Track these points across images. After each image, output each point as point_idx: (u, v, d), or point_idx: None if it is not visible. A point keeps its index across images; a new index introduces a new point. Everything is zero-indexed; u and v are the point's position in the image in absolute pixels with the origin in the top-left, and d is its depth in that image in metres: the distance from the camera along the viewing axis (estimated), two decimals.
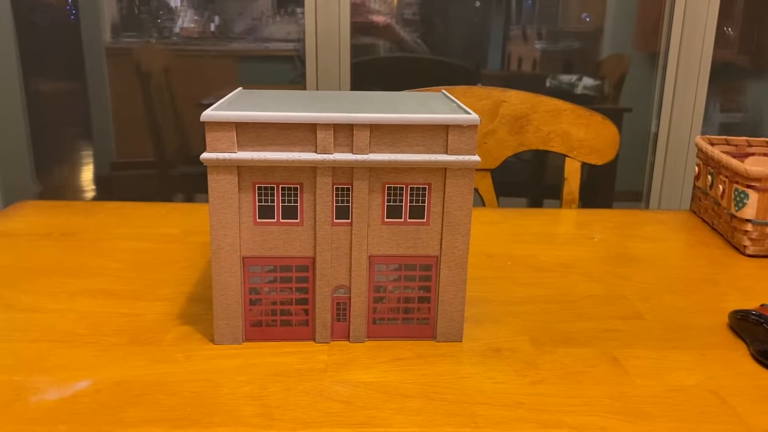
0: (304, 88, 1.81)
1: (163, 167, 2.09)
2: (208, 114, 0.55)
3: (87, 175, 2.16)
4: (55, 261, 0.78)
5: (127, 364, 0.57)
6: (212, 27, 1.99)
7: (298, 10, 1.94)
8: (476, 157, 0.57)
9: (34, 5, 1.93)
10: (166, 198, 2.11)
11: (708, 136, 0.97)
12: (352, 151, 0.57)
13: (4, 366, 0.56)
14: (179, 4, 1.96)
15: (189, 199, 2.14)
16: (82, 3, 1.96)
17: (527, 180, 2.11)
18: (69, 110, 2.07)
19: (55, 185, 2.10)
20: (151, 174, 2.10)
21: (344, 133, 0.56)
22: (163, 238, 0.86)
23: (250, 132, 0.56)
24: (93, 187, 2.15)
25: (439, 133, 0.57)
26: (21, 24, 1.91)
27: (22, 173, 1.98)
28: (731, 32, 1.90)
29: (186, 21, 1.99)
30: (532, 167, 2.10)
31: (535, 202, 2.13)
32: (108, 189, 2.13)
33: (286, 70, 2.01)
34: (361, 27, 1.86)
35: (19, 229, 0.88)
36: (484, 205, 1.17)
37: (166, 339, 0.61)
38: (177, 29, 1.98)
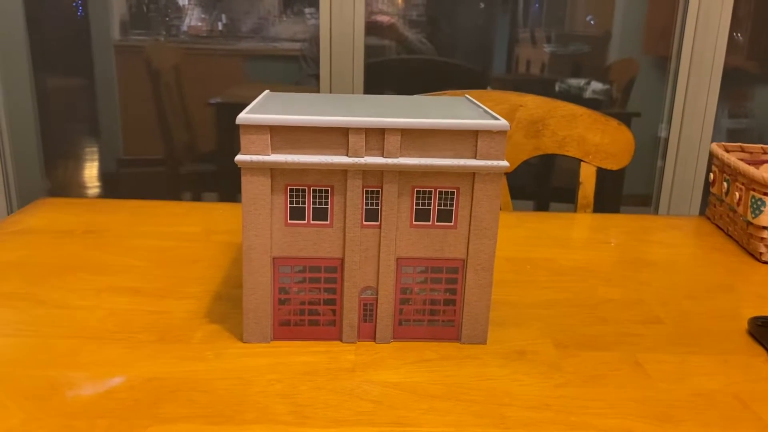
0: (317, 88, 1.81)
1: (170, 165, 2.10)
2: (244, 117, 0.56)
3: (95, 172, 2.17)
4: (79, 258, 0.79)
5: (158, 361, 0.58)
6: (220, 26, 2.00)
7: (306, 10, 1.95)
8: (505, 162, 0.58)
9: (45, 2, 1.93)
10: (174, 196, 2.12)
11: (723, 143, 0.98)
12: (382, 155, 0.58)
13: (40, 361, 0.57)
14: (187, 3, 1.97)
15: (196, 197, 2.15)
16: (91, 0, 1.97)
17: (534, 184, 2.12)
18: (77, 107, 2.08)
19: (63, 182, 2.11)
20: (159, 171, 2.11)
21: (375, 137, 0.57)
22: (185, 236, 0.86)
23: (283, 135, 0.57)
24: (100, 184, 2.16)
25: (468, 139, 0.58)
26: (32, 21, 1.91)
27: (31, 170, 1.99)
28: (740, 38, 1.91)
29: (194, 19, 2.00)
30: (538, 171, 2.11)
31: (542, 206, 2.14)
32: (115, 186, 2.14)
33: (294, 70, 2.02)
34: (366, 27, 1.87)
35: (40, 226, 0.89)
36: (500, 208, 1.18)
37: (195, 337, 0.62)
38: (185, 27, 1.99)
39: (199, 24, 2.00)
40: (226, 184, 2.08)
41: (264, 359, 0.59)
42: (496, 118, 0.59)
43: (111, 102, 2.07)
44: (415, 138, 0.58)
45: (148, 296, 0.70)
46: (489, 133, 0.58)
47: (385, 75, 1.95)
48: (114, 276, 0.74)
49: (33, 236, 0.85)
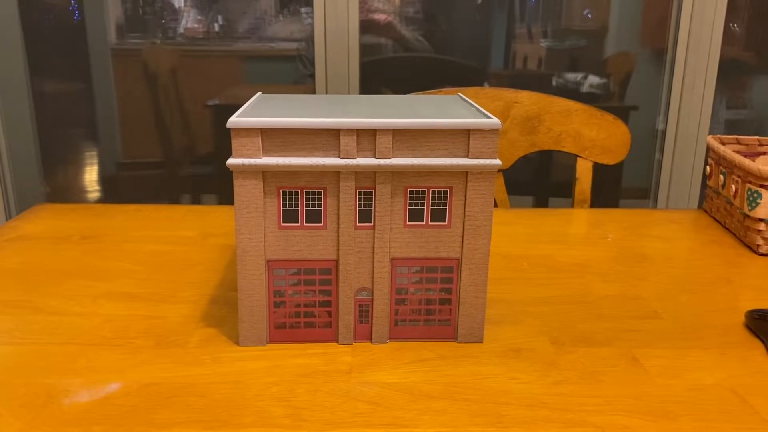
0: (313, 87, 1.81)
1: (169, 167, 2.10)
2: (235, 120, 0.56)
3: (93, 175, 2.17)
4: (77, 264, 0.79)
5: (154, 366, 0.58)
6: (216, 27, 1.99)
7: (302, 9, 1.94)
8: (497, 161, 0.58)
9: (40, 7, 1.93)
10: (173, 198, 2.12)
11: (719, 135, 0.98)
12: (374, 156, 0.58)
13: (36, 369, 0.57)
14: (183, 5, 1.97)
15: (196, 199, 2.15)
16: (87, 4, 1.97)
17: (533, 178, 2.12)
18: (75, 111, 2.08)
19: (62, 186, 2.12)
20: (158, 174, 2.11)
21: (367, 138, 0.57)
22: (181, 240, 0.86)
23: (275, 138, 0.57)
24: (100, 187, 2.16)
25: (460, 138, 0.58)
26: (27, 25, 1.91)
27: (29, 174, 1.99)
28: (737, 28, 1.91)
29: (190, 21, 1.99)
30: (537, 165, 2.11)
31: (541, 201, 2.14)
32: (114, 190, 2.14)
33: (291, 70, 2.01)
34: (363, 25, 1.86)
35: (39, 232, 0.89)
36: (496, 205, 1.18)
37: (192, 341, 0.62)
38: (181, 30, 1.99)
39: (196, 26, 2.00)
40: (225, 186, 2.08)
41: (260, 362, 0.59)
42: (488, 117, 0.59)
43: (109, 106, 2.07)
44: (407, 138, 0.58)
45: (145, 301, 0.70)
46: (481, 131, 0.57)
47: (383, 73, 1.95)
48: (111, 281, 0.74)
49: (31, 242, 0.85)
